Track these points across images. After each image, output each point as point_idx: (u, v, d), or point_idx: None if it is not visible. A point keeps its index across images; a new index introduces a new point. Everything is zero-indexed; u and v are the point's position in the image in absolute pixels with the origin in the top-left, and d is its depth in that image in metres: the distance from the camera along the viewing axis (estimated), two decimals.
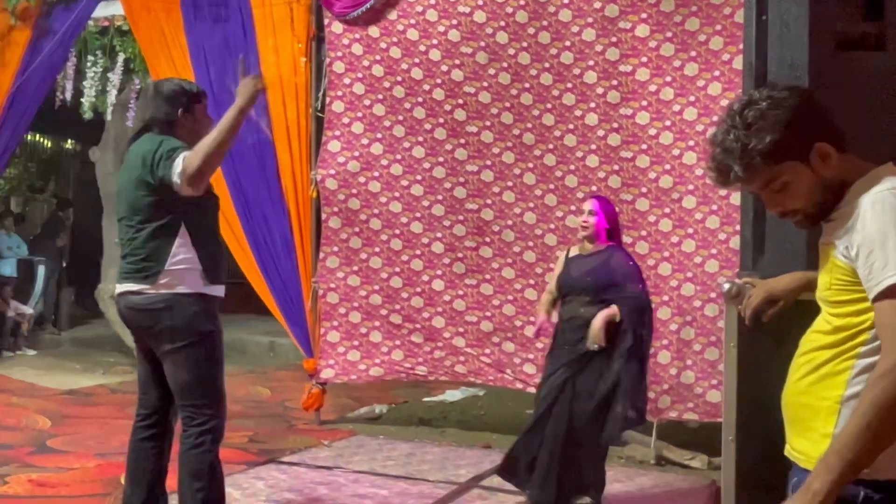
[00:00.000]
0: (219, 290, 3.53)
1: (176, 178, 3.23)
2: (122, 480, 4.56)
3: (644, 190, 5.61)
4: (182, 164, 3.22)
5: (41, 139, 12.56)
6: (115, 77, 7.93)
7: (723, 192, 5.20)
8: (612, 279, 4.25)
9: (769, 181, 1.76)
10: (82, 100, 8.05)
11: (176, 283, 3.40)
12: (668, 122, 5.55)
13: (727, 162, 1.76)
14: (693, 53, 5.48)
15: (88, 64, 7.93)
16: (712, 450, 5.29)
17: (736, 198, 4.85)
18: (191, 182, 3.20)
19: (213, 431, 3.43)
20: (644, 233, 5.60)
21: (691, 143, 5.47)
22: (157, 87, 3.66)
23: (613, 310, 4.14)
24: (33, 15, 7.30)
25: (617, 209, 5.55)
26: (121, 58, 7.94)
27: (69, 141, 13.12)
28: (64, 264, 11.01)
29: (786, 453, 1.80)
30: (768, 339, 1.97)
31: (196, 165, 3.18)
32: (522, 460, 4.29)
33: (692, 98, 5.50)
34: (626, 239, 5.57)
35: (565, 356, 4.27)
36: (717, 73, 5.44)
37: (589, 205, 4.41)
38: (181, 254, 3.41)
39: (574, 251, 4.50)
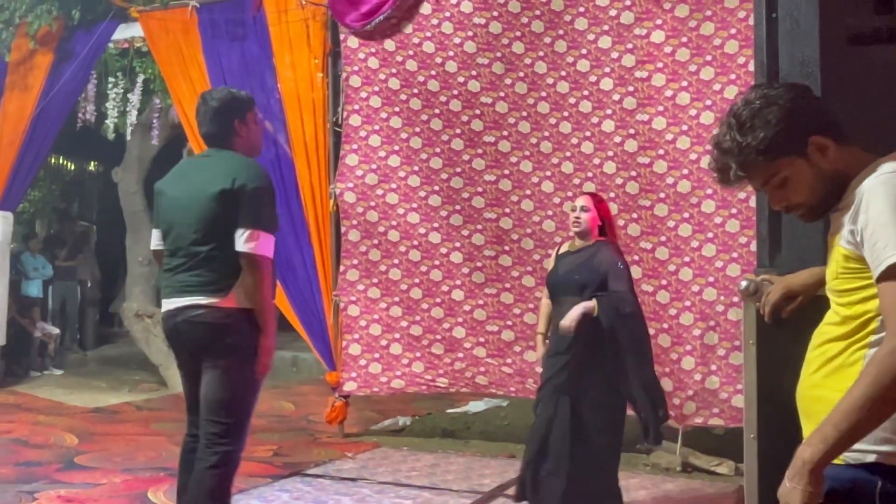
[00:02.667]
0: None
1: (239, 242, 3.24)
2: (150, 496, 4.62)
3: (662, 195, 5.59)
4: (249, 252, 3.24)
5: (64, 161, 12.72)
6: (135, 98, 8.04)
7: (742, 194, 5.18)
8: (596, 275, 4.03)
9: (769, 177, 1.78)
10: (105, 121, 8.17)
11: (246, 297, 3.28)
12: (684, 127, 5.54)
13: (726, 161, 1.79)
14: (709, 58, 5.47)
15: (109, 85, 8.05)
16: (739, 456, 5.19)
17: (755, 200, 4.82)
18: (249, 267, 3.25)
19: (234, 454, 3.32)
20: (664, 238, 5.58)
21: (709, 147, 5.44)
22: (207, 99, 3.45)
23: (591, 303, 3.95)
24: (54, 39, 7.43)
25: (636, 214, 5.59)
26: (140, 79, 8.06)
27: (91, 162, 13.28)
28: (89, 284, 11.10)
29: None
30: (788, 335, 1.96)
31: (257, 296, 3.26)
32: (528, 479, 4.06)
33: (709, 102, 5.48)
34: (645, 245, 5.57)
35: (553, 367, 4.11)
36: (733, 76, 5.42)
37: (581, 201, 4.24)
38: None
39: (564, 248, 4.34)
